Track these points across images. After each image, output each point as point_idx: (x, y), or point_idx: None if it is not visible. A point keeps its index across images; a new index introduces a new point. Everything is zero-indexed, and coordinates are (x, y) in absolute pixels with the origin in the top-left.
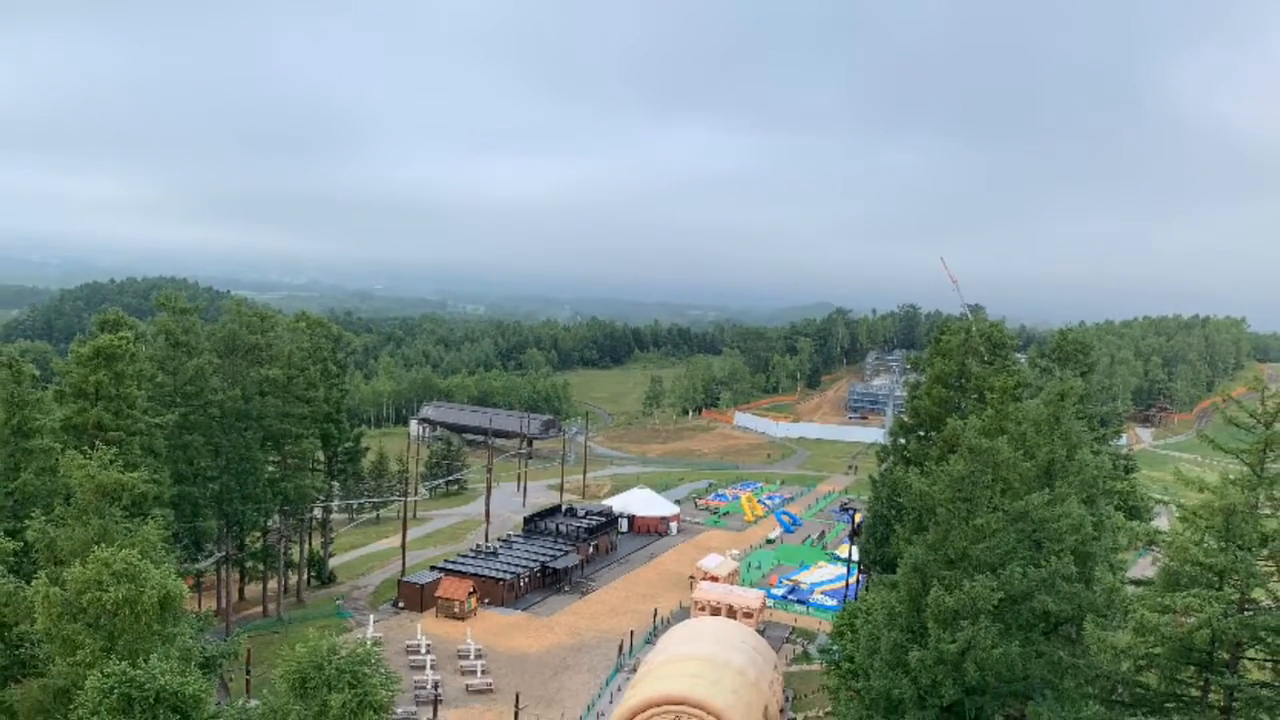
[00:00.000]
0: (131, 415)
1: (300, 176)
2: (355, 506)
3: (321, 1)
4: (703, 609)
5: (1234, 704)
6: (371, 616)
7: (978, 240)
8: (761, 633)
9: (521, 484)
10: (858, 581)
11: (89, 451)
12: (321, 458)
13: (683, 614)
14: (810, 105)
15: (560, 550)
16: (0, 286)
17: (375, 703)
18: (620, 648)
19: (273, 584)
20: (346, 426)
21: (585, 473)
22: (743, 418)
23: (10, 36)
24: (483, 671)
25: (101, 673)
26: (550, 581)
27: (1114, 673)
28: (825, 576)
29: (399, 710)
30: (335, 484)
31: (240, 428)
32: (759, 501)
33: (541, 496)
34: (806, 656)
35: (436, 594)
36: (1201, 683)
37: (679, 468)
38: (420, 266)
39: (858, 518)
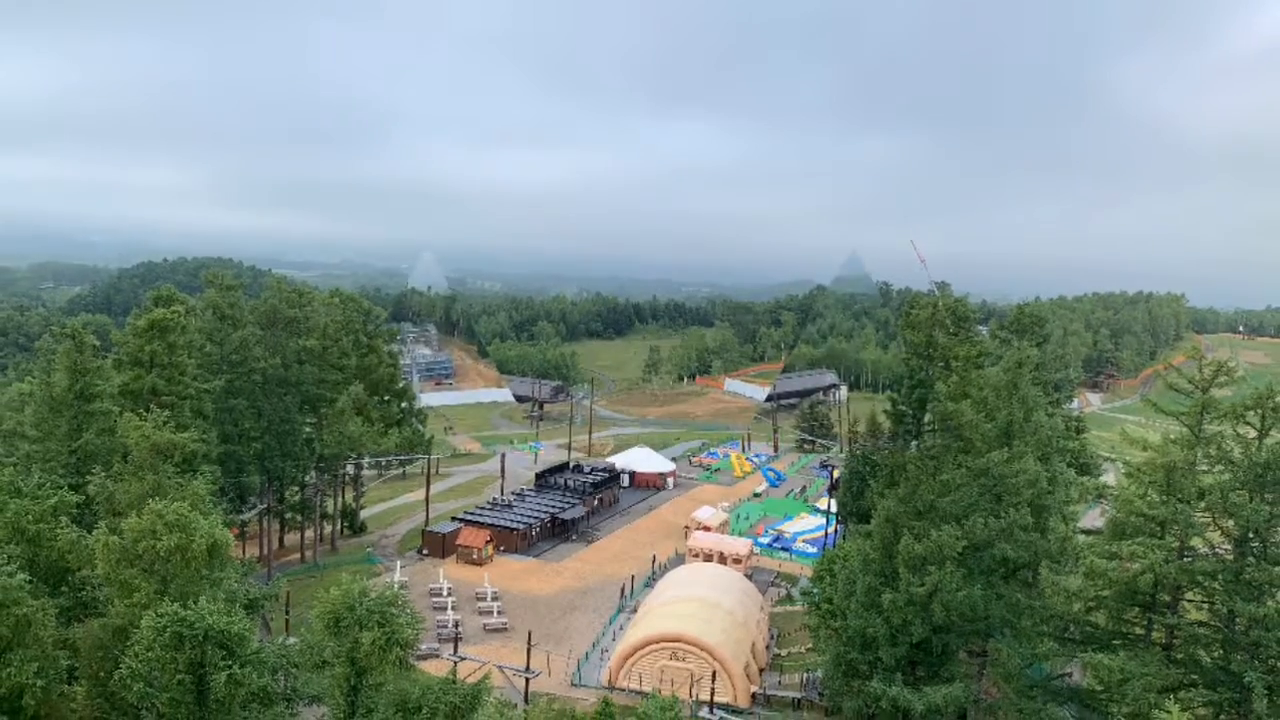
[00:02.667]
0: (182, 381)
1: (334, 166)
2: (384, 464)
3: (352, 7)
4: (696, 556)
5: (1174, 641)
6: (398, 562)
7: (944, 224)
8: (749, 577)
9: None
10: (836, 531)
11: (144, 414)
12: None
13: (678, 560)
14: (796, 101)
15: (568, 503)
16: (65, 265)
17: (401, 640)
18: (622, 591)
19: (309, 533)
20: None
21: (591, 433)
22: (732, 384)
23: (73, 40)
24: (499, 612)
25: (155, 613)
26: (559, 531)
27: (1066, 613)
28: (807, 526)
29: (423, 647)
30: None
31: (280, 392)
32: (747, 459)
33: (551, 455)
34: (790, 598)
35: (457, 542)
36: (1145, 622)
37: (675, 429)
38: (442, 248)
39: (836, 474)
